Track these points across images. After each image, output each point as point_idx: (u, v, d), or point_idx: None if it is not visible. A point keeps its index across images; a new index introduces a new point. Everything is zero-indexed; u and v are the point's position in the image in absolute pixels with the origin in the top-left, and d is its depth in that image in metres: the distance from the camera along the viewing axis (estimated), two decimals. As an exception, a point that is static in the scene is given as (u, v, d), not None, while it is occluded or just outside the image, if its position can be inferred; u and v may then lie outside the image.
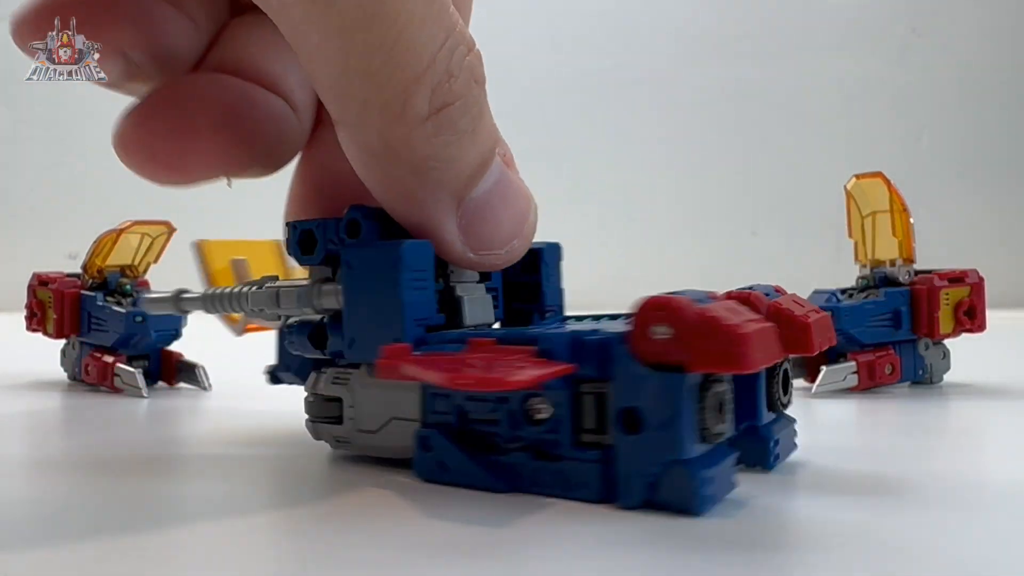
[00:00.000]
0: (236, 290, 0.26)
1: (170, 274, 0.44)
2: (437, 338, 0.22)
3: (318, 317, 0.24)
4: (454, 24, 0.20)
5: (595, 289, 0.55)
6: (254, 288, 0.25)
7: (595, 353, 0.20)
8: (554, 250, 0.27)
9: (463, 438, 0.22)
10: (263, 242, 0.29)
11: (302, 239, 0.24)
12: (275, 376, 0.28)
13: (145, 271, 0.39)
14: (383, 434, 0.24)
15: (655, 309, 0.19)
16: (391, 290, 0.22)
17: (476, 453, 0.22)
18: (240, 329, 0.24)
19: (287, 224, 0.24)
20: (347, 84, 0.19)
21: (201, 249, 0.29)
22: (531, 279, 0.27)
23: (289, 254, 0.24)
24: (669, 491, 0.19)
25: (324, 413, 0.25)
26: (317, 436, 0.25)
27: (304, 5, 0.18)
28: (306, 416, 0.25)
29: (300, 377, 0.27)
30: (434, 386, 0.21)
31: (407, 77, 0.19)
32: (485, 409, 0.22)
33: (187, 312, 0.28)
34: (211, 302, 0.27)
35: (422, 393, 0.23)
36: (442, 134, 0.20)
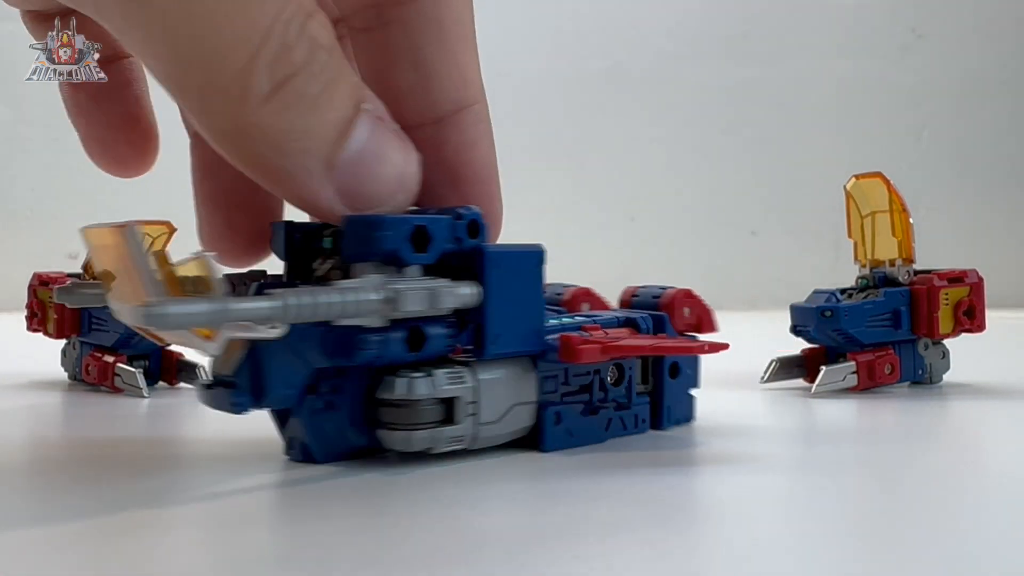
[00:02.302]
0: (333, 297, 0.22)
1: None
2: (555, 328, 0.26)
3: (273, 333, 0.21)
4: None
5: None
6: (360, 292, 0.22)
7: (653, 328, 0.29)
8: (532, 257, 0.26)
9: (573, 408, 0.27)
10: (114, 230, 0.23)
11: (415, 235, 0.23)
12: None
13: (145, 271, 0.39)
14: (505, 421, 0.25)
15: (685, 298, 0.30)
16: (534, 287, 0.25)
17: (587, 416, 0.27)
18: (219, 347, 0.20)
19: (384, 217, 0.23)
20: (183, 75, 0.20)
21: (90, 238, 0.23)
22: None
23: (335, 250, 0.23)
24: (685, 411, 0.30)
25: (432, 417, 0.24)
26: (408, 447, 0.24)
27: (121, 7, 0.19)
28: (391, 430, 0.24)
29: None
30: (547, 369, 0.26)
31: (241, 58, 0.19)
32: (579, 383, 0.27)
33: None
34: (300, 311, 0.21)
35: (538, 377, 0.26)
36: (291, 107, 0.20)
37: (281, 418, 0.25)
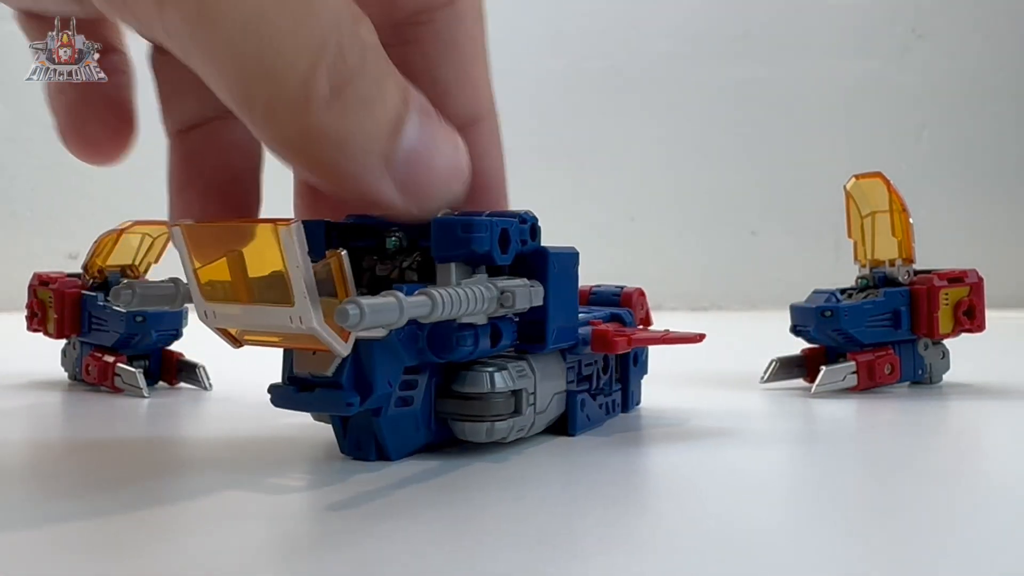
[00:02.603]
0: (465, 292, 0.23)
1: (171, 274, 0.44)
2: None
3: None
4: (331, 5, 0.21)
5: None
6: (481, 290, 0.23)
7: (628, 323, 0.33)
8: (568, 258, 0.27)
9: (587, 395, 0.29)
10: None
11: (501, 238, 0.24)
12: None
13: (146, 271, 0.39)
14: (549, 409, 0.28)
15: (640, 296, 0.34)
16: (573, 286, 0.27)
17: (594, 402, 0.30)
18: (349, 347, 0.21)
19: (474, 219, 0.24)
20: (249, 89, 0.21)
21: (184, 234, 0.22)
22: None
23: (439, 253, 0.24)
24: (639, 396, 0.33)
25: (506, 409, 0.25)
26: (490, 437, 0.25)
27: (189, 28, 0.20)
28: (473, 422, 0.25)
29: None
30: (569, 360, 0.28)
31: (303, 69, 0.20)
32: (587, 372, 0.29)
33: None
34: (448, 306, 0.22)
35: (566, 368, 0.28)
36: (351, 108, 0.21)
37: (343, 418, 0.25)
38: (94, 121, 0.27)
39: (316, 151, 0.21)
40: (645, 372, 0.34)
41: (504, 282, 0.24)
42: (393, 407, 0.24)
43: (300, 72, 0.20)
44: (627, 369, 0.32)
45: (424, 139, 0.23)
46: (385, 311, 0.20)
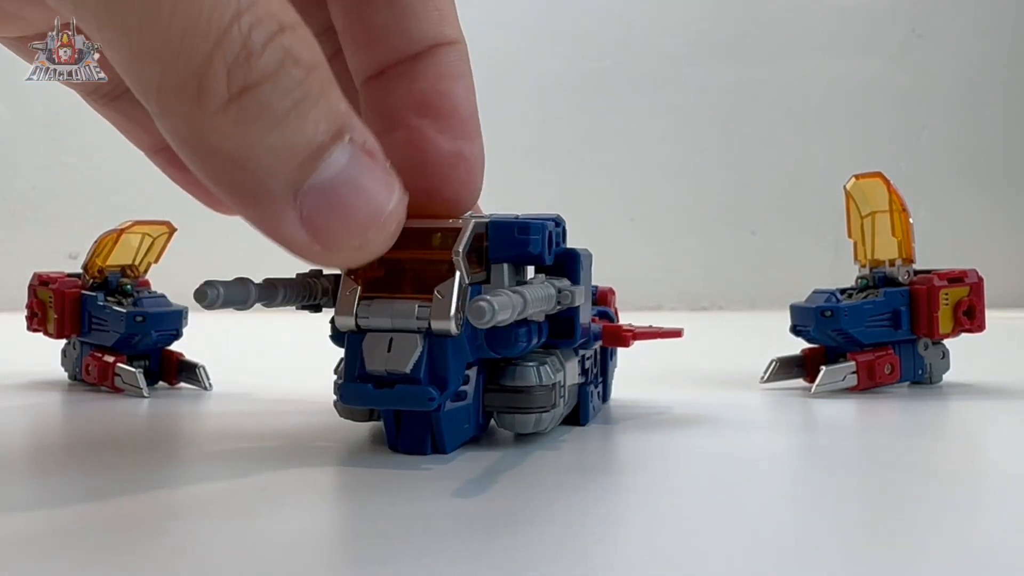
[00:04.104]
0: (539, 291, 0.24)
1: (171, 274, 0.44)
2: None
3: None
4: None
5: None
6: (547, 289, 0.25)
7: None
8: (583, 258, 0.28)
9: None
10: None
11: (548, 240, 0.26)
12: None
13: (146, 271, 0.39)
14: (570, 402, 0.29)
15: (611, 294, 0.35)
16: (589, 283, 0.29)
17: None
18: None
19: (530, 222, 0.25)
20: (139, 68, 0.19)
21: None
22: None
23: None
24: (610, 388, 0.35)
25: (548, 401, 0.27)
26: (537, 428, 0.27)
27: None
28: (523, 414, 0.26)
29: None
30: (579, 353, 0.29)
31: (197, 55, 0.18)
32: (589, 364, 0.30)
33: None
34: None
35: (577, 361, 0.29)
36: (254, 120, 0.19)
37: (397, 414, 0.25)
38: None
39: (211, 158, 0.19)
40: (616, 366, 0.36)
41: (559, 282, 0.25)
42: (449, 402, 0.25)
43: (194, 58, 0.18)
44: (606, 363, 0.34)
45: (348, 175, 0.20)
46: (509, 307, 0.21)
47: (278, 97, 0.19)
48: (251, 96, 0.19)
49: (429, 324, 0.23)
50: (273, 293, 0.26)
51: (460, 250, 0.23)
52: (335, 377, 0.27)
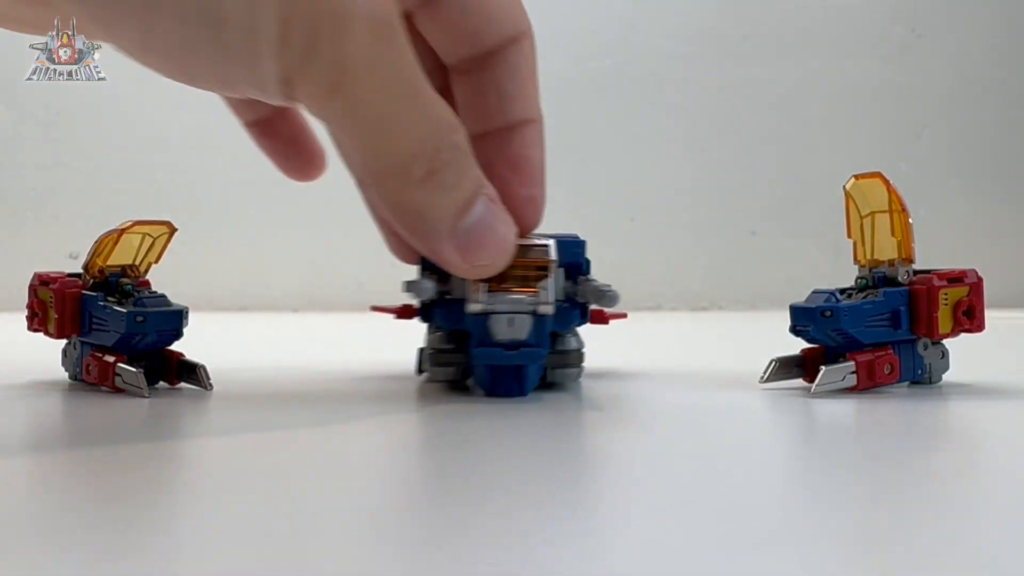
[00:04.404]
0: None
1: (171, 274, 0.44)
2: None
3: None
4: (436, 113, 0.29)
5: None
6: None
7: None
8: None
9: None
10: None
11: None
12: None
13: (146, 271, 0.39)
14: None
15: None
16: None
17: None
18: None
19: (581, 241, 0.36)
20: (371, 161, 0.29)
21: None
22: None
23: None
24: None
25: (581, 361, 0.37)
26: (577, 378, 0.38)
27: (345, 116, 0.28)
28: (569, 369, 0.37)
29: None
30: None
31: (406, 155, 0.29)
32: None
33: None
34: None
35: None
36: (434, 189, 0.30)
37: (493, 368, 0.34)
38: (294, 157, 0.39)
39: (406, 213, 0.30)
40: None
41: (602, 286, 0.35)
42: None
43: (404, 158, 0.29)
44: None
45: (485, 221, 0.31)
46: (613, 296, 0.35)
47: (449, 174, 0.30)
48: (436, 175, 0.29)
49: (535, 308, 0.33)
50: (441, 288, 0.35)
51: (556, 259, 0.34)
52: (421, 348, 0.40)
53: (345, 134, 0.29)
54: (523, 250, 0.34)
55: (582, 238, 0.36)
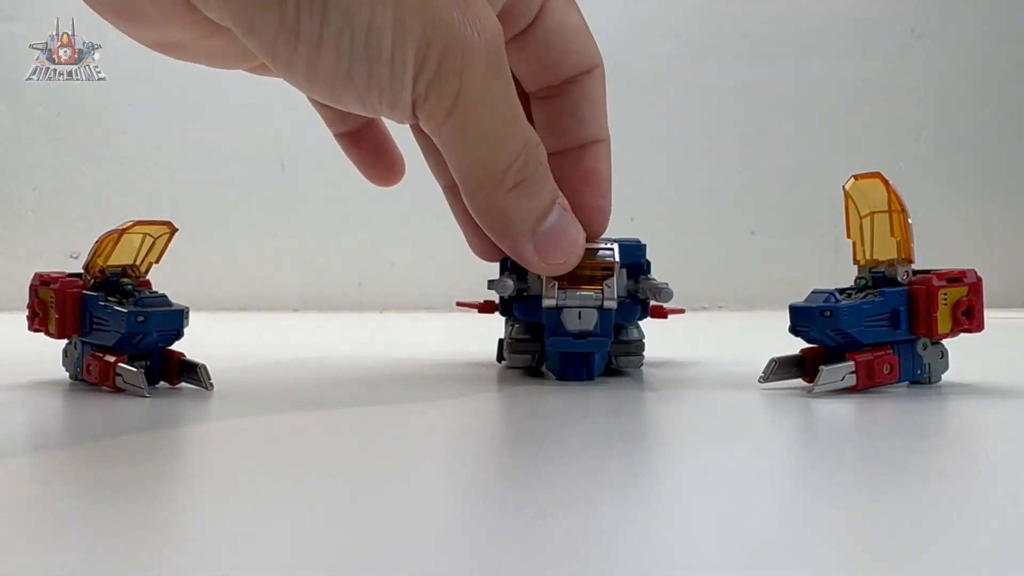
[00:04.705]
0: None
1: (172, 274, 0.44)
2: None
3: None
4: (526, 134, 0.35)
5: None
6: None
7: None
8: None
9: None
10: None
11: None
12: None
13: (147, 271, 0.39)
14: None
15: None
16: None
17: None
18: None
19: (643, 244, 0.41)
20: (470, 171, 0.34)
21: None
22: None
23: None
24: None
25: (643, 350, 0.42)
26: (638, 366, 0.42)
27: (456, 133, 0.33)
28: (632, 356, 0.42)
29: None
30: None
31: (502, 167, 0.34)
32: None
33: None
34: None
35: None
36: (520, 196, 0.35)
37: (564, 355, 0.39)
38: (378, 164, 0.43)
39: (495, 217, 0.35)
40: None
41: (656, 281, 0.40)
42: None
43: (500, 169, 0.34)
44: None
45: (559, 226, 0.36)
46: (668, 293, 0.40)
47: (533, 184, 0.35)
48: (523, 184, 0.34)
49: (602, 303, 0.38)
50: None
51: (619, 261, 0.39)
52: (502, 339, 0.44)
53: (454, 148, 0.34)
54: (591, 253, 0.38)
55: (643, 242, 0.41)
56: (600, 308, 0.38)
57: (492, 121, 0.33)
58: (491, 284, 0.40)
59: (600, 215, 0.40)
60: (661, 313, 0.43)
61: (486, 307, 0.44)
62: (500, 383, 0.40)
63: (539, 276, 0.38)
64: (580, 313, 0.38)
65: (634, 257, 0.40)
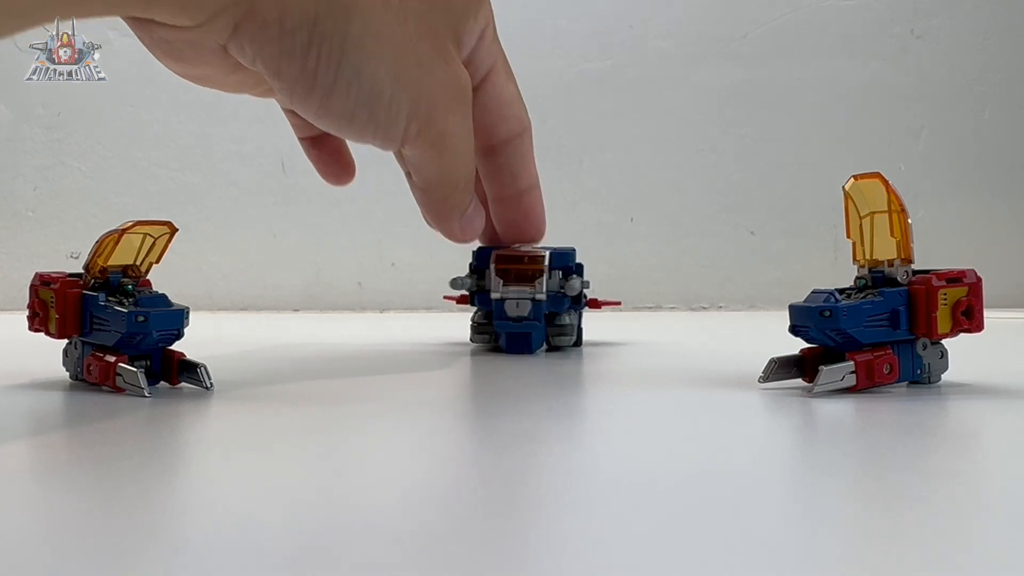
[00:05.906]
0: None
1: (172, 274, 0.44)
2: None
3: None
4: (472, 163, 0.44)
5: (595, 288, 0.55)
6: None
7: None
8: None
9: None
10: None
11: None
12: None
13: (147, 271, 0.39)
14: None
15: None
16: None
17: None
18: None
19: (573, 250, 0.52)
20: (439, 179, 0.44)
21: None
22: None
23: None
24: None
25: (574, 332, 0.52)
26: (571, 343, 0.52)
27: (429, 151, 0.42)
28: (564, 337, 0.51)
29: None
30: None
31: (460, 177, 0.44)
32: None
33: None
34: None
35: None
36: (462, 195, 0.45)
37: (511, 334, 0.50)
38: (334, 165, 0.49)
39: (445, 207, 0.45)
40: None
41: (577, 280, 0.50)
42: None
43: (458, 178, 0.44)
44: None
45: (472, 215, 0.46)
46: (574, 287, 0.50)
47: (470, 188, 0.45)
48: (466, 188, 0.45)
49: (534, 295, 0.48)
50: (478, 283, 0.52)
51: (548, 264, 0.49)
52: (471, 321, 0.52)
53: (429, 165, 0.42)
54: (530, 257, 0.49)
55: (574, 248, 0.52)
56: (532, 300, 0.49)
57: (458, 147, 0.42)
58: (452, 282, 0.51)
59: (536, 239, 0.52)
60: (596, 304, 0.54)
61: (462, 300, 0.53)
62: (472, 357, 0.50)
63: (494, 274, 0.49)
64: (517, 303, 0.49)
65: (564, 261, 0.50)
